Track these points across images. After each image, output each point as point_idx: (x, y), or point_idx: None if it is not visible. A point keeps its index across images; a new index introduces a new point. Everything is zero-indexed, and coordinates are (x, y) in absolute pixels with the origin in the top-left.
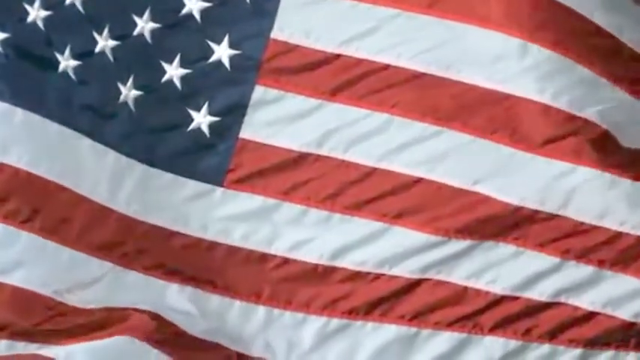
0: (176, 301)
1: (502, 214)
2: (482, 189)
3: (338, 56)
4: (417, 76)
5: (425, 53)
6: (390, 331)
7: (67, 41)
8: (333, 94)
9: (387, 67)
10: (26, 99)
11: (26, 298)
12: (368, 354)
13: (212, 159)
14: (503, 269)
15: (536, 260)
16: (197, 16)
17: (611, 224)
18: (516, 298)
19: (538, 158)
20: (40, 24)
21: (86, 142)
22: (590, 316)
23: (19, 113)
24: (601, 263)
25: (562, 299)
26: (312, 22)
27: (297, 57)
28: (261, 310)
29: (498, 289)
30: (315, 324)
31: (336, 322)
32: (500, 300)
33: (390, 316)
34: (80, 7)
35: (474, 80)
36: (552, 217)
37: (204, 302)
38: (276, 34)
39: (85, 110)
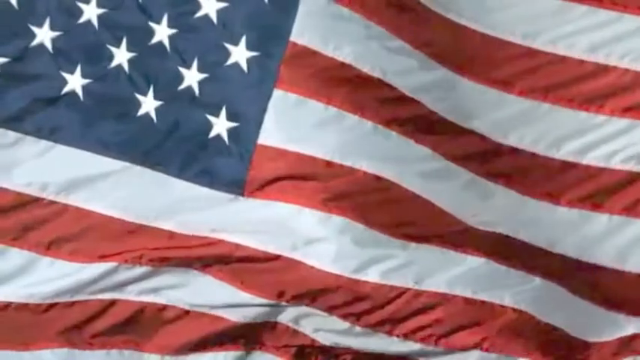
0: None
1: None
2: None
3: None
4: None
5: None
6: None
7: (78, 61)
8: (353, 104)
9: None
10: (31, 124)
11: None
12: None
13: (231, 166)
14: None
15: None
16: (214, 17)
17: None
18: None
19: None
20: (49, 46)
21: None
22: None
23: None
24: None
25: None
26: (330, 30)
27: (316, 63)
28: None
29: None
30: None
31: (359, 329)
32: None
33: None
34: (95, 24)
35: None
36: None
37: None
38: (295, 37)
39: (101, 126)
